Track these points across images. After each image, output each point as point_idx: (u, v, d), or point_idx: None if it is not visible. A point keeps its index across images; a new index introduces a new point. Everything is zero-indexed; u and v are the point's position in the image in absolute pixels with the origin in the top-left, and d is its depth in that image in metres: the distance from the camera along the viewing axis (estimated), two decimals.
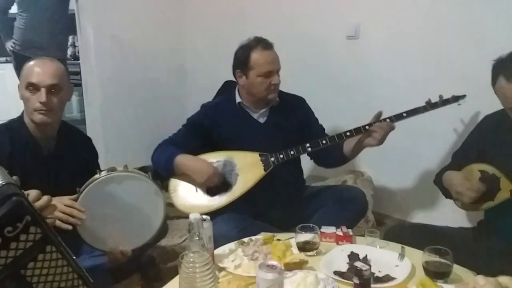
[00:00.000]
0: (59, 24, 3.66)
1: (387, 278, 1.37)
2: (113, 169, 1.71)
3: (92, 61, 3.48)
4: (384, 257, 1.54)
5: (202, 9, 3.79)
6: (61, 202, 1.53)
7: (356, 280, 0.87)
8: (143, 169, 3.09)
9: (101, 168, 1.80)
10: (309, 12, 3.01)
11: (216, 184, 2.01)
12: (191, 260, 1.07)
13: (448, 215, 2.25)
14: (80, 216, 1.54)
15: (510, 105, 1.56)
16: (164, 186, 2.07)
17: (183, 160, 2.03)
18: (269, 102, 2.12)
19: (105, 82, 3.51)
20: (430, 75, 2.46)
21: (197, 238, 1.07)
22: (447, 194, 1.86)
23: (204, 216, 1.48)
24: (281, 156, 2.02)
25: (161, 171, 2.10)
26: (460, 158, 1.90)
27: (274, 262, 1.14)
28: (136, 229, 1.74)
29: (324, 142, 2.00)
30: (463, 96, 2.00)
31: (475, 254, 1.61)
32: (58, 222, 1.47)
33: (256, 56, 2.02)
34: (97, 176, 1.68)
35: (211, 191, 2.04)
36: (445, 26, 2.38)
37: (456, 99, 2.00)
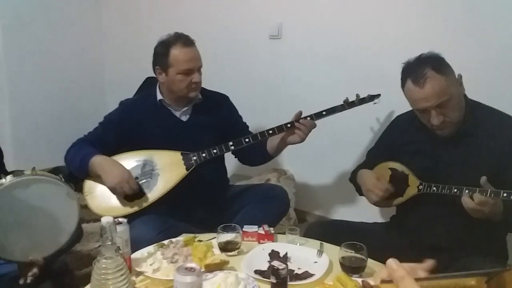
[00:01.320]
0: None
1: (305, 275, 1.40)
2: (19, 173, 1.57)
3: (0, 55, 3.21)
4: (304, 254, 1.57)
5: (121, 3, 3.64)
6: None
7: (273, 280, 0.87)
8: (57, 169, 2.95)
9: (9, 171, 1.65)
10: (233, 10, 3.01)
11: (126, 193, 1.91)
12: (103, 266, 1.01)
13: (365, 211, 2.35)
14: None
15: (416, 106, 1.64)
16: (79, 188, 1.97)
17: (98, 161, 1.92)
18: (191, 100, 2.07)
19: (14, 77, 3.25)
20: (349, 75, 2.56)
21: (110, 242, 1.01)
22: (361, 192, 1.95)
23: (120, 219, 1.42)
24: (204, 155, 1.99)
25: (75, 172, 1.98)
26: (373, 156, 1.99)
27: (192, 265, 1.11)
28: (48, 236, 1.60)
29: (247, 140, 2.00)
30: (378, 95, 2.10)
31: (388, 247, 1.69)
32: None
33: (176, 53, 1.96)
34: (2, 181, 1.53)
35: (126, 196, 1.95)
36: (363, 27, 2.49)
37: (371, 98, 2.09)
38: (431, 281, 0.63)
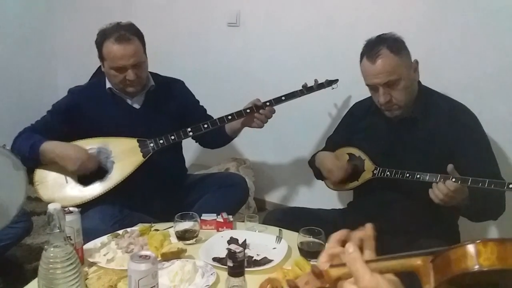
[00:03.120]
0: None
1: (264, 261, 1.39)
2: None
3: None
4: (263, 240, 1.56)
5: None
6: None
7: (230, 263, 0.85)
8: None
9: None
10: None
11: (91, 170, 1.85)
12: (51, 255, 0.96)
13: (323, 198, 2.38)
14: None
15: (367, 82, 1.69)
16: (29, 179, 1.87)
17: (51, 146, 1.83)
18: (133, 93, 1.98)
19: None
20: (307, 60, 2.57)
21: (58, 230, 0.95)
22: (319, 175, 1.97)
23: (71, 208, 1.36)
24: (161, 141, 1.93)
25: (25, 162, 1.85)
26: (332, 142, 2.02)
27: (147, 252, 1.07)
28: None
29: (205, 126, 1.96)
30: (336, 81, 2.11)
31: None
32: None
33: (108, 48, 1.86)
34: None
35: (85, 180, 1.87)
36: (320, 13, 2.51)
37: (329, 83, 2.10)
38: (379, 263, 0.64)
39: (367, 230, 0.72)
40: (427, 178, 1.56)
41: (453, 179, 1.46)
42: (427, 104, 1.72)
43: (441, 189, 1.48)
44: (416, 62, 1.70)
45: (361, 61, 1.71)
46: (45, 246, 0.97)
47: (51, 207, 0.94)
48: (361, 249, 0.68)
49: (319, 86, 2.08)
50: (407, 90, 1.66)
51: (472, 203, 1.54)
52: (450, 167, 1.48)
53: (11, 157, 1.51)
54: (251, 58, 2.78)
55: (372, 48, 1.65)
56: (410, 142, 1.73)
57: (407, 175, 1.64)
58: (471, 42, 2.12)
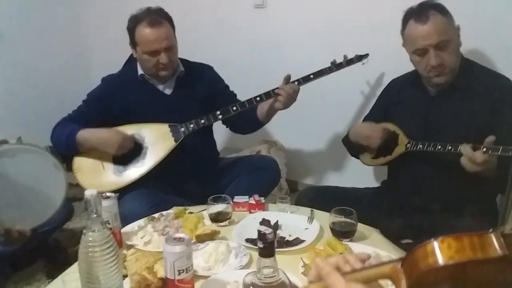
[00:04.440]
0: None
1: (296, 241, 1.41)
2: (4, 141, 1.55)
3: None
4: (295, 221, 1.57)
5: None
6: None
7: (260, 244, 0.86)
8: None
9: None
10: None
11: (130, 148, 1.90)
12: (90, 239, 1.00)
13: (357, 177, 2.35)
14: None
15: (416, 46, 1.64)
16: (68, 167, 1.94)
17: (87, 134, 1.90)
18: (165, 77, 2.01)
19: None
20: (336, 39, 2.52)
21: (95, 215, 0.99)
22: (355, 151, 1.95)
23: (108, 194, 1.41)
24: (192, 125, 1.96)
25: (63, 151, 1.95)
26: (369, 120, 1.98)
27: (181, 235, 1.10)
28: (35, 207, 1.59)
29: (234, 108, 1.97)
30: (366, 55, 2.06)
31: (379, 211, 1.71)
32: None
33: (140, 32, 1.89)
34: None
35: (121, 165, 1.93)
36: None
37: (359, 58, 2.06)
38: (356, 274, 0.67)
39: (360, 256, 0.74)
40: (458, 149, 1.51)
41: (484, 149, 1.42)
42: (468, 75, 1.68)
43: (470, 158, 1.44)
44: (459, 28, 1.67)
45: (404, 27, 1.68)
46: (84, 231, 1.01)
47: (87, 193, 0.98)
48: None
49: (348, 62, 2.04)
50: (456, 54, 1.64)
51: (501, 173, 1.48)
52: (490, 138, 1.43)
53: (52, 157, 1.58)
54: (279, 39, 2.75)
55: (420, 11, 1.62)
56: (448, 114, 1.69)
57: (439, 146, 1.61)
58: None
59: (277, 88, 1.94)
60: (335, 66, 2.01)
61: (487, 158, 1.42)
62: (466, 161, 1.46)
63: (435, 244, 0.54)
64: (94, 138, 1.90)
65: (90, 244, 0.99)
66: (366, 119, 2.06)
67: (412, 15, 1.65)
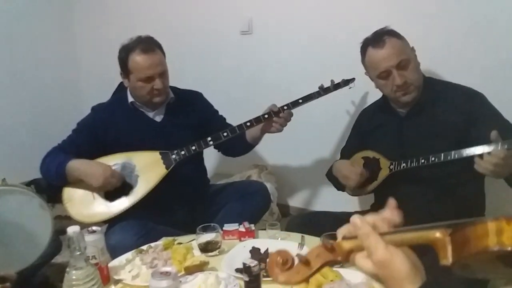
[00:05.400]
0: None
1: None
2: None
3: None
4: (285, 248, 1.54)
5: (92, 6, 3.58)
6: None
7: (246, 277, 0.85)
8: (34, 182, 2.87)
9: None
10: (204, 7, 2.98)
11: (116, 185, 1.89)
12: (73, 277, 0.98)
13: (347, 200, 2.34)
14: None
15: (379, 70, 1.70)
16: (58, 198, 1.91)
17: (76, 165, 1.88)
18: (158, 104, 2.03)
19: None
20: (321, 63, 2.56)
21: (79, 252, 0.98)
22: (339, 187, 1.96)
23: (94, 228, 1.39)
24: (183, 152, 1.96)
25: (53, 181, 1.93)
26: (346, 151, 2.03)
27: (168, 269, 1.09)
28: (20, 249, 1.56)
29: (225, 134, 1.97)
30: (353, 79, 2.09)
31: None
32: None
33: (134, 59, 1.91)
34: None
35: (111, 195, 1.91)
36: (331, 16, 2.50)
37: (346, 82, 2.09)
38: (395, 235, 0.63)
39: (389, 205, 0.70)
40: (442, 158, 1.55)
41: (506, 146, 1.37)
42: (432, 92, 1.73)
43: (497, 153, 1.38)
44: (413, 48, 1.74)
45: (364, 56, 1.75)
46: (67, 269, 0.99)
47: (70, 230, 0.97)
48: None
49: (335, 86, 2.06)
50: (417, 70, 1.70)
51: None
52: (494, 133, 1.37)
53: (38, 198, 1.56)
54: (265, 65, 2.79)
55: (375, 37, 1.70)
56: (421, 131, 1.73)
57: (422, 160, 1.63)
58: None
59: (271, 114, 1.96)
60: (323, 91, 2.03)
61: (508, 154, 1.36)
62: (483, 161, 1.40)
63: (498, 224, 0.50)
64: (82, 169, 1.88)
65: (74, 282, 0.98)
66: (343, 150, 2.09)
67: (369, 42, 1.73)
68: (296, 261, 0.71)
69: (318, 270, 0.70)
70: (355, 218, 0.66)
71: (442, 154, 1.54)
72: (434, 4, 2.19)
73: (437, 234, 0.58)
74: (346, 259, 0.68)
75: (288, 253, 0.73)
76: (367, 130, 1.92)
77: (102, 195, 1.92)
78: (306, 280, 0.71)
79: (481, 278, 0.56)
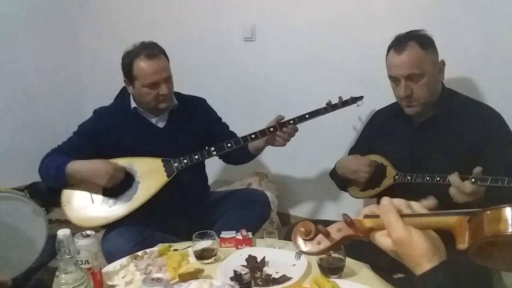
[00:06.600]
0: None
1: (283, 279, 1.36)
2: None
3: None
4: (282, 257, 1.52)
5: (94, 13, 3.60)
6: None
7: (236, 285, 0.82)
8: (33, 186, 2.85)
9: None
10: (207, 14, 2.97)
11: (121, 178, 1.87)
12: (63, 281, 0.96)
13: (347, 209, 2.30)
14: None
15: (390, 73, 1.68)
16: (56, 202, 1.89)
17: (77, 165, 1.85)
18: (163, 110, 2.01)
19: None
20: (327, 75, 2.53)
21: (68, 256, 0.95)
22: (341, 186, 1.92)
23: (88, 232, 1.36)
24: (185, 161, 1.94)
25: (52, 183, 1.91)
26: (355, 152, 1.98)
27: (160, 275, 1.06)
28: (15, 255, 1.55)
29: (229, 145, 1.96)
30: (361, 98, 2.06)
31: (368, 244, 1.67)
32: None
33: (139, 66, 1.89)
34: None
35: (111, 199, 1.89)
36: (334, 24, 2.48)
37: (354, 100, 2.05)
38: (415, 218, 0.67)
39: (428, 204, 0.75)
40: (447, 181, 1.51)
41: (473, 180, 1.41)
42: (450, 106, 1.69)
43: (459, 188, 1.43)
44: (443, 63, 1.68)
45: (387, 54, 1.71)
46: (56, 272, 0.97)
47: (60, 233, 0.95)
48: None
49: (343, 103, 2.03)
50: (429, 88, 1.64)
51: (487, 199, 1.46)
52: (478, 169, 1.41)
53: (32, 204, 1.55)
54: (268, 72, 2.77)
55: (401, 41, 1.65)
56: (431, 143, 1.69)
57: (427, 178, 1.61)
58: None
59: (276, 126, 1.95)
60: (330, 107, 2.00)
61: (476, 189, 1.41)
62: (455, 192, 1.45)
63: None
64: (84, 169, 1.86)
65: (62, 287, 0.95)
66: (352, 150, 2.05)
67: (394, 43, 1.68)
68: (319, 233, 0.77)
69: (338, 243, 0.77)
70: (384, 197, 0.71)
71: (449, 176, 1.49)
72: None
73: (456, 220, 0.61)
74: (366, 236, 0.74)
75: (312, 225, 0.81)
76: (379, 133, 1.89)
77: (101, 199, 1.90)
78: (326, 251, 0.80)
79: (500, 268, 0.61)
